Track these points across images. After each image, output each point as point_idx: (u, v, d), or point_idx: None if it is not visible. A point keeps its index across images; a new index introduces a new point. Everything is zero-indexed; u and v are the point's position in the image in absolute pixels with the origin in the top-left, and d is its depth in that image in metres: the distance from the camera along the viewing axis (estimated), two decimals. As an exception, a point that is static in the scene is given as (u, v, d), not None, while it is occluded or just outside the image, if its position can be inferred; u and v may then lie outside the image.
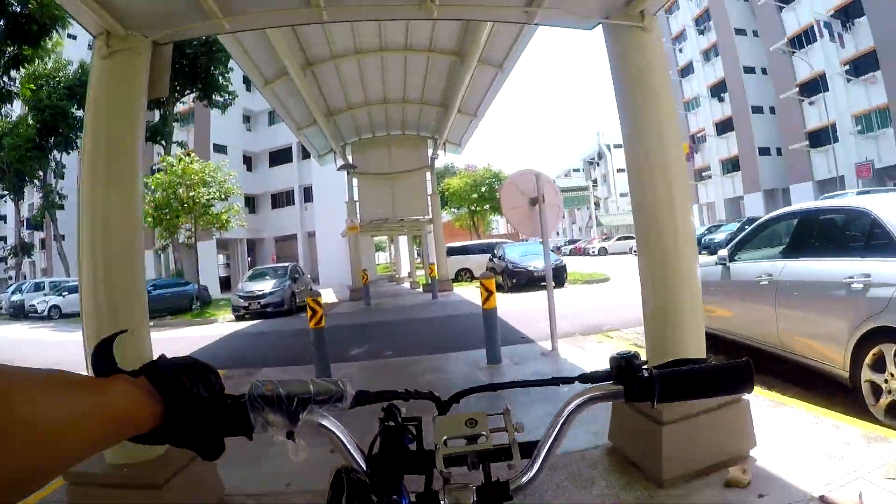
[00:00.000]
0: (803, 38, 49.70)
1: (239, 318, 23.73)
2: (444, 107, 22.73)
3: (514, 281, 23.96)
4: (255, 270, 28.01)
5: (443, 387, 6.17)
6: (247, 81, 33.75)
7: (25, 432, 0.68)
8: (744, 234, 8.93)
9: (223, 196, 27.26)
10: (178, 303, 28.06)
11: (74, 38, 70.34)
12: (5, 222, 63.48)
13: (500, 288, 24.03)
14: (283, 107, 20.27)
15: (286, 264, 29.22)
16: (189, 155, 28.02)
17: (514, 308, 17.18)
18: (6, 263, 63.51)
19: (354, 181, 28.93)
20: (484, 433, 1.19)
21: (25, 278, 54.13)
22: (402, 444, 1.25)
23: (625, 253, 55.10)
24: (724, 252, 8.85)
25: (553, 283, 22.19)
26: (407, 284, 37.29)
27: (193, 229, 27.40)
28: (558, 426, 1.22)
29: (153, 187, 26.46)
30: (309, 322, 9.62)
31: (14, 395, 0.69)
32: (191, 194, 25.93)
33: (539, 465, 1.19)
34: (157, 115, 36.88)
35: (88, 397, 0.81)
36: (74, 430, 0.75)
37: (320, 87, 19.88)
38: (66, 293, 34.65)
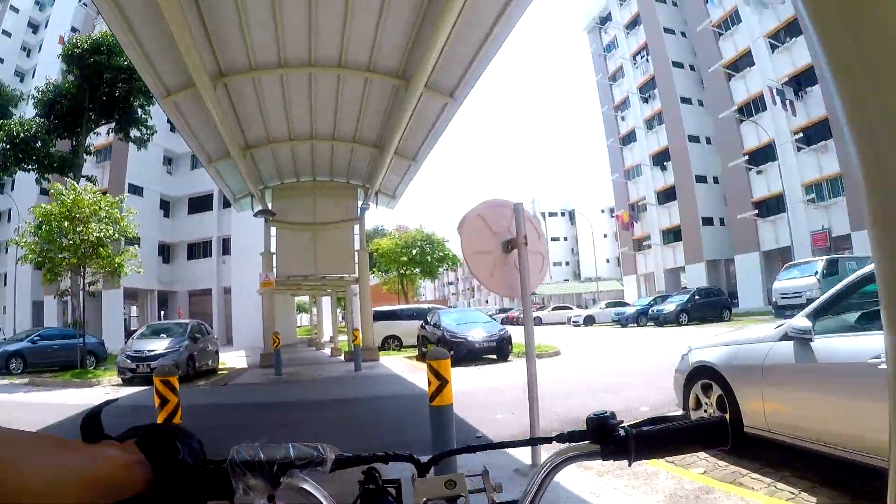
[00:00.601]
0: (752, 107, 48.98)
1: (127, 382, 20.13)
2: (380, 147, 20.21)
3: (452, 353, 20.47)
4: (151, 326, 24.35)
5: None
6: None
7: (12, 493, 0.69)
8: (828, 295, 5.80)
9: (117, 236, 23.40)
10: (67, 357, 24.40)
11: (9, 35, 67.60)
12: None
13: (431, 361, 21.62)
14: (188, 128, 17.21)
15: (187, 321, 25.48)
16: (89, 186, 24.25)
17: (458, 389, 13.87)
18: None
19: (273, 230, 25.76)
20: (463, 495, 1.20)
21: None
22: None
23: (561, 323, 53.29)
24: (801, 322, 5.72)
25: (494, 356, 19.29)
26: (328, 351, 33.59)
27: (81, 273, 23.39)
28: (536, 485, 1.22)
29: (38, 219, 22.64)
30: (157, 415, 6.70)
31: (1, 457, 0.70)
32: (77, 230, 22.04)
33: None
34: (69, 144, 34.36)
35: (76, 461, 0.82)
36: (61, 493, 0.76)
37: (235, 107, 17.10)
38: None
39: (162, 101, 15.08)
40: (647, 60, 62.64)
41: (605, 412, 1.23)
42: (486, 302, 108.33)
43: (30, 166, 32.30)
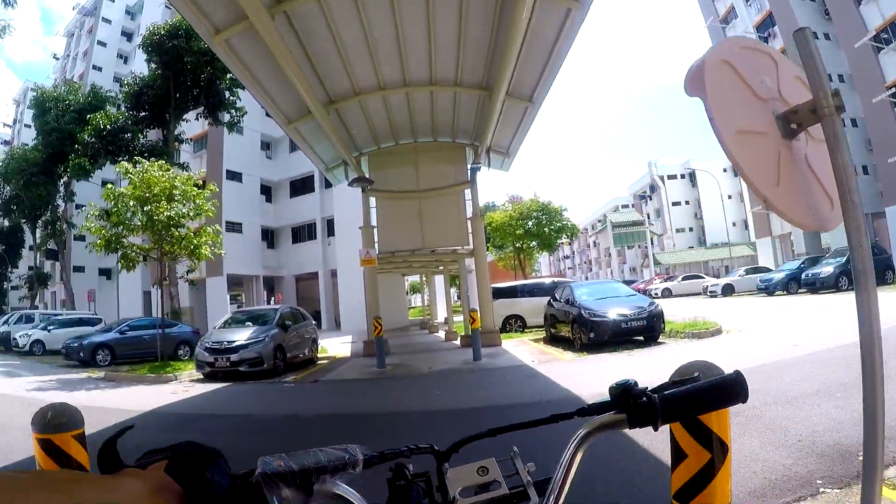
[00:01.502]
0: (891, 33, 42.91)
1: (208, 377, 17.51)
2: (488, 88, 17.00)
3: (593, 336, 16.90)
4: (235, 314, 21.56)
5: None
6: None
7: None
8: None
9: (192, 215, 20.63)
10: (162, 348, 21.99)
11: (104, 45, 71.38)
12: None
13: (568, 344, 18.50)
14: (250, 76, 14.34)
15: (276, 307, 22.64)
16: (162, 163, 21.62)
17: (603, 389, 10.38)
18: (20, 292, 63.04)
19: (372, 202, 22.55)
20: (497, 479, 1.22)
21: (38, 309, 52.32)
22: (415, 501, 1.23)
23: (694, 294, 49.26)
24: None
25: (641, 337, 17.14)
26: (442, 334, 30.45)
27: (159, 258, 20.79)
28: (567, 460, 1.22)
29: (106, 200, 20.24)
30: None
31: (19, 501, 0.69)
32: (145, 209, 19.43)
33: (553, 501, 1.20)
34: (160, 134, 33.94)
35: (96, 496, 0.80)
36: None
37: (305, 48, 14.01)
38: (53, 328, 32.53)
39: (211, 40, 12.21)
40: (762, -4, 56.52)
41: (629, 380, 1.22)
42: (608, 276, 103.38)
43: (120, 158, 30.57)
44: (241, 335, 17.77)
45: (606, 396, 1.26)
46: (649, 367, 12.90)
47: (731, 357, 12.85)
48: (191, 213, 20.62)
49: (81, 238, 27.78)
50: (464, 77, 16.78)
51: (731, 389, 1.21)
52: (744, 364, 11.25)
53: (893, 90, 42.45)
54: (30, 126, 52.12)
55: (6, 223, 54.96)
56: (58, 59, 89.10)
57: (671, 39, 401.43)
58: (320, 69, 15.54)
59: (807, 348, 12.30)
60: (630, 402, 1.20)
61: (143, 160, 21.24)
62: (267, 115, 29.19)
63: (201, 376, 17.74)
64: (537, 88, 16.62)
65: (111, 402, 13.49)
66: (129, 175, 20.09)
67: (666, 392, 1.22)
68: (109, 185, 20.62)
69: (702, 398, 1.21)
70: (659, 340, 17.38)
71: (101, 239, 20.38)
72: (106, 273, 52.59)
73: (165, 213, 19.70)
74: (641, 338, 17.31)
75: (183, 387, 16.09)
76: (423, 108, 18.95)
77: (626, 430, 1.23)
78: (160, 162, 21.68)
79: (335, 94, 17.13)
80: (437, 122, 20.26)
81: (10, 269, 59.97)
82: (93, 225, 21.02)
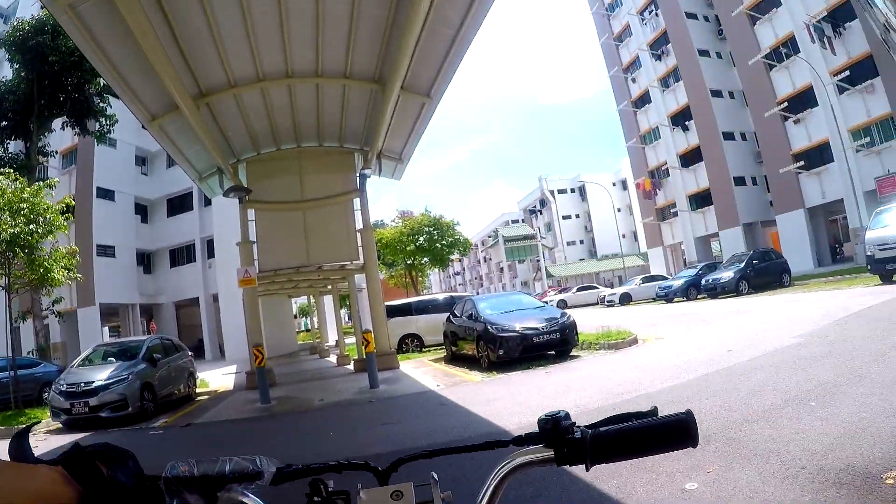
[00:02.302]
0: (782, 52, 44.32)
1: (67, 426, 14.83)
2: (381, 82, 15.56)
3: (501, 353, 15.28)
4: (97, 348, 18.72)
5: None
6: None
7: None
8: None
9: (42, 233, 17.90)
10: (24, 392, 19.13)
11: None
12: None
13: (473, 363, 16.93)
14: (103, 58, 12.21)
15: (142, 338, 20.05)
16: (9, 171, 18.85)
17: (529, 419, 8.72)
18: None
19: (251, 214, 20.28)
20: None
21: None
22: None
23: (590, 304, 49.97)
24: None
25: (553, 352, 16.12)
26: (333, 359, 28.27)
27: (7, 284, 17.97)
28: (488, 494, 1.20)
29: None
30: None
31: None
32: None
33: None
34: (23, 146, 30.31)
35: (8, 485, 0.83)
36: None
37: (173, 28, 11.92)
38: None
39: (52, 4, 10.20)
40: (657, 14, 57.34)
41: (559, 412, 1.18)
42: (500, 290, 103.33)
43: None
44: (101, 374, 15.26)
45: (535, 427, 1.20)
46: (574, 385, 11.39)
47: (662, 368, 11.57)
48: (39, 231, 17.88)
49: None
50: (354, 68, 15.12)
51: (678, 432, 1.12)
52: (683, 376, 9.95)
53: (784, 105, 44.10)
54: None
55: None
56: None
57: (565, 56, 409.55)
58: (190, 54, 13.45)
59: (745, 353, 11.31)
60: (559, 438, 1.14)
61: None
62: (143, 127, 26.96)
63: (59, 425, 15.15)
64: (436, 81, 15.05)
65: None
66: None
67: (602, 429, 1.15)
68: None
69: (642, 439, 1.13)
70: (573, 354, 16.07)
71: None
72: (-35, 307, 48.54)
73: (9, 230, 17.00)
74: (553, 352, 15.90)
75: (34, 441, 13.31)
76: (308, 105, 17.09)
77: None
78: (6, 170, 18.98)
79: (207, 86, 15.04)
80: (324, 122, 18.43)
81: None
82: None
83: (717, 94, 51.77)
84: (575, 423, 1.16)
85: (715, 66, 52.22)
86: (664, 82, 57.73)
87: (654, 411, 1.21)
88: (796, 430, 6.04)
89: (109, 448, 1.05)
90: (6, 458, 0.99)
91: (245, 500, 1.15)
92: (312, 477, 1.23)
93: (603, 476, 5.52)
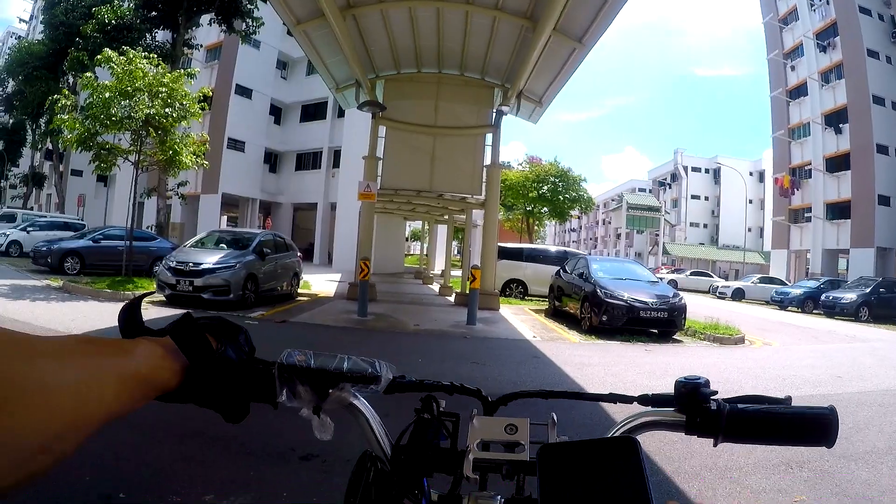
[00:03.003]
0: None
1: (170, 301, 15.27)
2: (533, 18, 14.84)
3: (605, 319, 14.93)
4: (211, 233, 19.28)
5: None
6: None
7: (46, 395, 0.65)
8: None
9: (176, 116, 18.33)
10: (135, 263, 20.40)
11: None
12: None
13: (574, 322, 16.67)
14: None
15: (255, 231, 20.61)
16: (153, 56, 19.39)
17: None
18: (17, 191, 62.64)
19: (381, 131, 20.30)
20: (522, 442, 1.11)
21: (29, 210, 50.15)
22: (433, 439, 1.14)
23: (701, 291, 48.10)
24: None
25: (656, 330, 15.64)
26: (436, 287, 28.44)
27: (137, 160, 18.62)
28: None
29: (84, 91, 18.19)
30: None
31: (34, 359, 0.65)
32: (123, 103, 17.21)
33: None
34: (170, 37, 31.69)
35: (110, 359, 0.78)
36: (96, 391, 0.72)
37: None
38: (33, 229, 30.87)
39: None
40: (828, 2, 53.76)
41: (699, 377, 1.12)
42: (613, 256, 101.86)
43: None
44: (210, 258, 15.67)
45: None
46: (672, 370, 10.80)
47: (765, 377, 10.88)
48: (174, 115, 18.31)
49: (58, 132, 25.80)
50: (507, 0, 14.58)
51: (817, 427, 1.05)
52: (787, 391, 9.12)
53: None
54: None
55: (9, 120, 53.95)
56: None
57: (723, 29, 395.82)
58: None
59: (854, 385, 10.46)
60: (694, 404, 1.10)
61: (131, 50, 18.92)
62: (289, 32, 27.31)
63: (163, 298, 15.58)
64: (591, 28, 14.46)
65: (42, 318, 11.67)
66: (112, 64, 17.91)
67: (740, 406, 1.10)
68: (88, 75, 18.42)
69: (780, 425, 1.07)
70: (676, 338, 15.50)
71: (74, 134, 18.19)
72: (103, 179, 50.72)
73: (145, 111, 17.45)
74: (656, 331, 15.40)
75: (147, 306, 14.01)
76: (454, 31, 16.72)
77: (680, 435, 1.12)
78: (150, 55, 19.48)
79: (352, -2, 14.91)
80: (468, 51, 18.03)
81: (9, 168, 58.89)
82: (66, 117, 18.56)
83: (879, 100, 48.39)
84: (715, 392, 1.11)
85: (882, 71, 48.78)
86: (825, 77, 54.21)
87: (788, 399, 1.13)
88: (894, 483, 5.49)
89: (222, 322, 0.99)
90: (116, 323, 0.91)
91: (355, 401, 1.14)
92: (426, 393, 1.19)
93: (685, 475, 5.26)
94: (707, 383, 1.11)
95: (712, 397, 1.10)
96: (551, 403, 1.27)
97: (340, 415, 1.11)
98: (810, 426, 1.06)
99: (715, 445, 1.10)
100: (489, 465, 1.09)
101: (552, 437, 1.14)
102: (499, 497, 1.06)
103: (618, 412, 1.35)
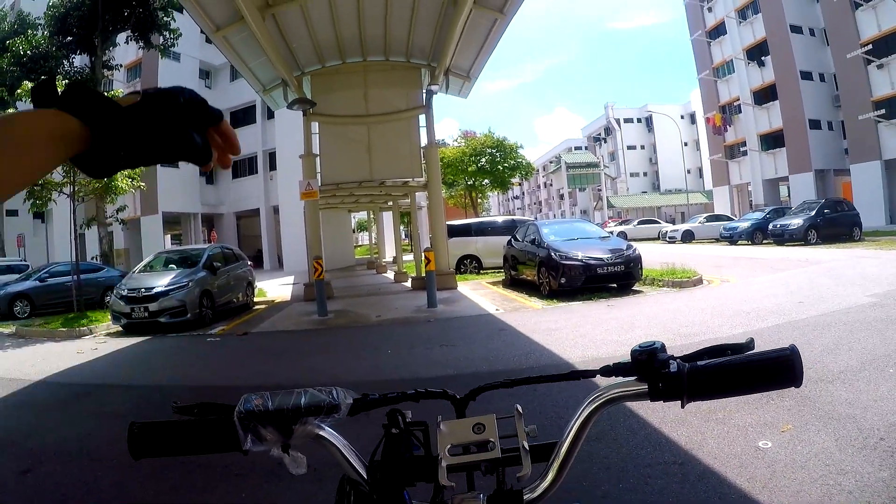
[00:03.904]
0: None
1: (127, 330, 15.12)
2: None
3: (563, 281, 15.10)
4: (158, 255, 18.96)
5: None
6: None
7: None
8: None
9: None
10: (87, 295, 19.91)
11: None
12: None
13: (532, 288, 16.84)
14: None
15: (202, 246, 20.29)
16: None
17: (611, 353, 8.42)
18: None
19: (315, 128, 20.02)
20: (492, 439, 1.13)
21: None
22: (405, 450, 1.17)
23: (651, 238, 48.22)
24: None
25: (615, 284, 15.88)
26: (390, 275, 28.27)
27: (72, 191, 18.21)
28: (575, 428, 1.16)
29: None
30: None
31: None
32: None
33: (555, 472, 1.15)
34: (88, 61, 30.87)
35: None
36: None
37: None
38: None
39: None
40: (735, -61, 54.57)
41: (654, 343, 1.12)
42: (558, 217, 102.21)
43: (41, 87, 28.47)
44: (162, 280, 15.40)
45: (602, 363, 1.17)
46: (638, 322, 11.05)
47: (730, 313, 11.05)
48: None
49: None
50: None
51: (782, 369, 1.06)
52: (754, 324, 9.51)
53: (868, 47, 41.74)
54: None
55: None
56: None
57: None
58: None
59: (817, 307, 10.70)
60: (653, 371, 1.09)
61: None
62: (208, 41, 26.85)
63: (120, 329, 15.43)
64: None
65: (3, 368, 11.35)
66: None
67: (700, 363, 1.10)
68: (10, 111, 17.96)
69: (744, 375, 1.08)
70: (635, 289, 15.71)
71: None
72: (40, 216, 49.63)
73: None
74: (615, 285, 15.61)
75: (94, 343, 13.79)
76: (375, 16, 16.65)
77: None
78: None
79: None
80: (391, 35, 17.98)
81: None
82: None
83: (797, 29, 48.96)
84: (672, 355, 1.11)
85: (797, 0, 49.33)
86: (741, 14, 54.80)
87: (750, 343, 1.15)
88: (874, 397, 5.65)
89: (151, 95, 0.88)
90: None
91: (321, 432, 1.14)
92: (390, 407, 1.21)
93: (672, 423, 5.31)
94: (663, 347, 1.11)
95: (671, 359, 1.10)
96: (516, 390, 1.30)
97: (310, 446, 1.12)
98: (774, 370, 1.06)
99: (682, 407, 1.11)
100: (465, 466, 1.10)
101: (520, 428, 1.15)
102: (481, 495, 1.09)
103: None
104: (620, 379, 1.15)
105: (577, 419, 1.16)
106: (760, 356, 1.08)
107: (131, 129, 0.85)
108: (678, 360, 1.11)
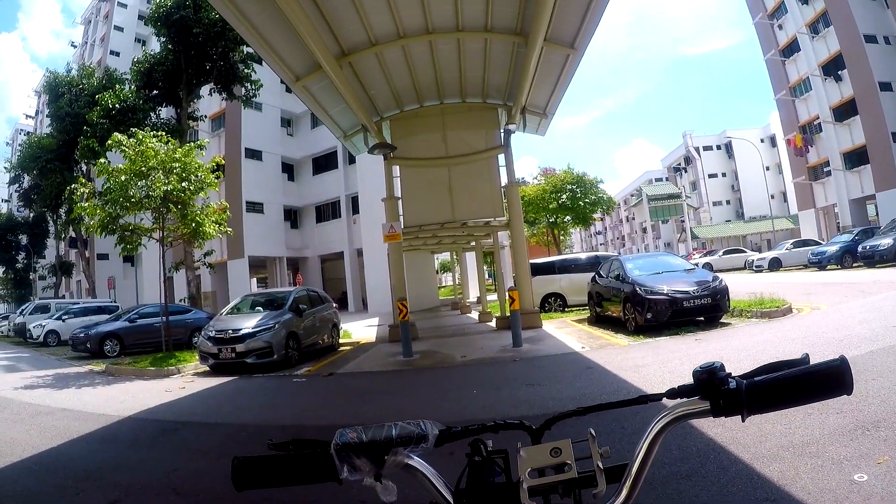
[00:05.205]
0: None
1: (214, 370, 15.51)
2: (523, 34, 15.12)
3: (650, 316, 14.82)
4: (245, 298, 19.55)
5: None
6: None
7: None
8: None
9: (193, 189, 18.44)
10: (175, 336, 20.40)
11: (121, 29, 71.02)
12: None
13: (618, 325, 16.52)
14: (247, 23, 12.33)
15: (288, 289, 20.74)
16: (162, 134, 19.60)
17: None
18: (46, 282, 64.59)
19: (395, 171, 20.44)
20: (569, 462, 1.19)
21: (61, 298, 52.38)
22: (488, 477, 1.23)
23: (737, 269, 47.41)
24: None
25: (702, 318, 15.47)
26: (475, 315, 28.17)
27: (161, 238, 18.78)
28: (644, 448, 1.21)
29: (100, 177, 18.66)
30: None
31: None
32: (139, 184, 17.47)
33: (627, 489, 1.20)
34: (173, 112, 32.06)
35: None
36: None
37: None
38: (68, 317, 31.69)
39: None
40: (802, -47, 53.23)
41: (714, 363, 1.18)
42: (642, 251, 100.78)
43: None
44: (249, 322, 15.72)
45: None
46: (727, 356, 10.59)
47: (821, 342, 10.58)
48: (191, 188, 18.48)
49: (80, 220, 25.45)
50: (495, 20, 14.79)
51: (832, 379, 1.11)
52: (846, 352, 8.82)
53: None
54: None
55: (30, 214, 55.76)
56: (76, 46, 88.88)
57: (704, 4, 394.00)
58: (329, 14, 13.64)
59: None
60: (714, 389, 1.16)
61: (140, 132, 19.16)
62: (288, 90, 27.58)
63: (206, 369, 15.82)
64: (580, 32, 14.50)
65: (92, 404, 11.67)
66: (123, 148, 18.13)
67: (756, 379, 1.16)
68: (102, 161, 18.70)
69: (796, 387, 1.13)
70: (723, 321, 15.30)
71: (95, 220, 18.34)
72: (130, 260, 51.59)
73: (162, 188, 17.65)
74: (702, 318, 15.25)
75: (182, 382, 14.19)
76: (449, 60, 16.93)
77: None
78: (159, 133, 19.69)
79: (349, 45, 15.21)
80: (466, 78, 18.18)
81: (36, 260, 60.65)
82: (86, 205, 18.81)
83: (871, 39, 47.36)
84: (730, 373, 1.18)
85: (869, 9, 47.76)
86: (813, 28, 53.31)
87: (805, 359, 1.20)
88: None
89: None
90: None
91: (411, 462, 1.21)
92: (472, 437, 1.27)
93: (764, 458, 5.18)
94: (722, 367, 1.17)
95: (730, 377, 1.16)
96: (593, 420, 1.35)
97: (400, 475, 1.19)
98: (825, 380, 1.11)
99: (743, 420, 1.16)
100: (544, 488, 1.16)
101: (594, 451, 1.21)
102: None
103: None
104: (685, 399, 1.21)
105: (645, 439, 1.20)
106: (813, 368, 1.13)
107: None
108: (737, 378, 1.16)
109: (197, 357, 16.64)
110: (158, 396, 12.12)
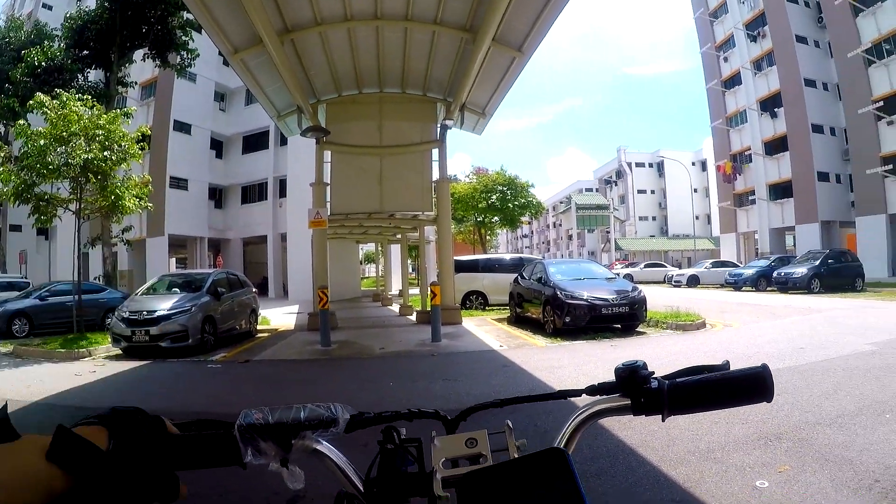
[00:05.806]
0: (883, 49, 42.55)
1: (127, 354, 14.85)
2: (473, 31, 14.96)
3: (568, 320, 15.05)
4: (162, 278, 18.85)
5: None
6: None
7: None
8: None
9: (115, 160, 17.66)
10: (87, 317, 19.40)
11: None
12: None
13: (537, 326, 16.79)
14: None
15: (207, 271, 20.15)
16: (87, 98, 18.73)
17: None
18: None
19: (327, 156, 20.15)
20: (484, 453, 1.16)
21: None
22: (400, 466, 1.19)
23: (656, 282, 48.82)
24: None
25: (619, 325, 16.05)
26: (396, 307, 28.14)
27: (78, 209, 17.98)
28: (563, 442, 1.21)
29: (18, 139, 17.67)
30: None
31: None
32: (59, 150, 16.64)
33: None
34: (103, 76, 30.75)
35: None
36: None
37: None
38: None
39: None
40: (756, -6, 55.29)
41: (637, 361, 1.19)
42: (566, 257, 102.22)
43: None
44: (164, 304, 15.18)
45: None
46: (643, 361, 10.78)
47: (731, 357, 10.01)
48: (113, 158, 17.72)
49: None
50: (446, 14, 14.66)
51: (754, 385, 1.14)
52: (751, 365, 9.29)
53: (880, 104, 42.57)
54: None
55: None
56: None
57: (656, 27, 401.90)
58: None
59: (817, 354, 10.89)
60: (636, 387, 1.17)
61: (64, 94, 18.28)
62: (225, 63, 26.84)
63: (119, 352, 15.17)
64: (530, 36, 14.52)
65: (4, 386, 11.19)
66: (45, 110, 17.22)
67: (679, 380, 1.17)
68: (21, 122, 17.80)
69: (718, 391, 1.15)
70: (639, 330, 15.77)
71: (10, 187, 17.40)
72: (44, 233, 49.35)
73: (83, 156, 16.89)
74: (619, 326, 15.70)
75: (92, 365, 13.52)
76: (394, 48, 16.69)
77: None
78: (85, 96, 18.85)
79: (292, 22, 14.81)
80: (409, 68, 17.97)
81: None
82: (0, 170, 17.82)
83: (810, 83, 49.74)
84: (653, 372, 1.18)
85: (811, 55, 50.07)
86: (757, 65, 55.59)
87: (726, 365, 1.21)
88: (870, 441, 5.76)
89: (119, 414, 0.98)
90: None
91: (319, 447, 1.15)
92: (385, 424, 1.23)
93: (671, 461, 5.42)
94: (645, 366, 1.18)
95: (653, 377, 1.17)
96: (510, 413, 1.28)
97: (308, 461, 1.13)
98: (748, 386, 1.14)
99: (663, 420, 1.17)
100: (458, 479, 1.10)
101: (510, 443, 1.18)
102: None
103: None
104: (606, 396, 1.21)
105: (564, 432, 1.20)
106: (736, 374, 1.16)
107: (115, 480, 0.85)
108: (659, 378, 1.17)
109: (109, 339, 15.85)
110: (68, 380, 11.61)
